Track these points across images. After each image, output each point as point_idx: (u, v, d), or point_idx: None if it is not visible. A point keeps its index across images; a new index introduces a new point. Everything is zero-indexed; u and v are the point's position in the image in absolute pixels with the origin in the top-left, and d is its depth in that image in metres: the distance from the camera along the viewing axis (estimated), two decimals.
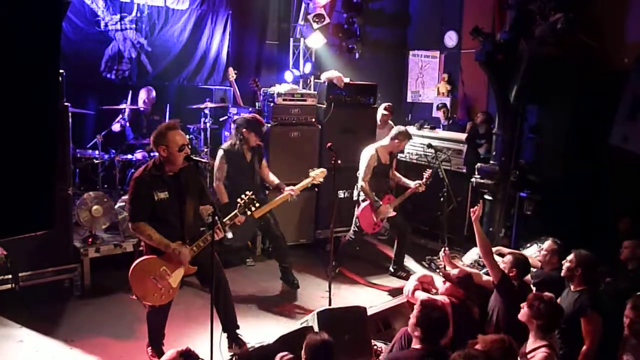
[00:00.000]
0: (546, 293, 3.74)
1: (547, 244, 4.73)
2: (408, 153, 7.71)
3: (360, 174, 5.98)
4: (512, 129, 6.19)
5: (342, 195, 6.79)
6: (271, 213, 5.74)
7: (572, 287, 4.13)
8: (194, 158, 4.01)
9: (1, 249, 4.42)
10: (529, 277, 4.50)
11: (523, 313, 3.64)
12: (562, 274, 4.18)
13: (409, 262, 6.59)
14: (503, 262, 4.50)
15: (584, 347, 3.84)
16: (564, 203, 6.12)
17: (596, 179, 6.07)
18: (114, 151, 6.35)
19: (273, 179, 5.66)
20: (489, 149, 7.17)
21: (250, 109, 6.96)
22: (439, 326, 3.31)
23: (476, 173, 6.42)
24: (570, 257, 4.13)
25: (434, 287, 4.61)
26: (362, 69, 8.49)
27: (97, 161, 6.20)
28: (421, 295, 4.33)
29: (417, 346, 3.32)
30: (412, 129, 7.66)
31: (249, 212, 4.31)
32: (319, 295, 5.63)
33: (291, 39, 8.28)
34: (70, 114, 5.11)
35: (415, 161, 7.56)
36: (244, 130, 5.51)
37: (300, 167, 6.66)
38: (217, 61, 7.97)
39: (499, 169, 6.22)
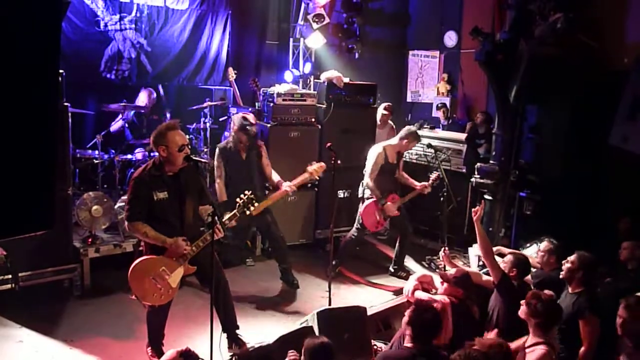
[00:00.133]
0: (545, 291, 3.75)
1: (544, 244, 4.73)
2: (408, 153, 7.70)
3: (367, 171, 5.98)
4: (512, 129, 6.19)
5: (341, 196, 6.79)
6: (270, 214, 5.74)
7: (570, 289, 4.13)
8: (194, 158, 4.01)
9: (1, 249, 4.42)
10: (529, 277, 4.51)
11: (522, 310, 3.67)
12: (561, 276, 4.18)
13: (409, 262, 6.60)
14: (503, 262, 4.51)
15: (582, 349, 3.84)
16: (563, 203, 6.13)
17: (596, 179, 6.07)
18: (113, 151, 6.35)
19: (275, 177, 5.65)
20: (489, 149, 7.17)
21: (249, 109, 6.96)
22: (429, 326, 3.33)
23: (476, 173, 6.42)
24: (572, 258, 4.13)
25: (434, 287, 4.61)
26: (361, 69, 8.49)
27: (96, 161, 6.20)
28: (421, 295, 4.33)
29: (409, 345, 3.34)
30: (402, 131, 7.68)
31: (247, 212, 4.31)
32: (318, 295, 5.63)
33: (291, 39, 8.28)
34: (70, 114, 5.12)
35: (415, 161, 7.55)
36: (234, 128, 5.56)
37: (300, 167, 6.64)
38: (217, 61, 7.97)
39: (499, 169, 6.22)
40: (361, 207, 6.06)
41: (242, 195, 4.34)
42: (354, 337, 4.14)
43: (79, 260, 5.33)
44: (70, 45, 6.70)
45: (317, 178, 5.53)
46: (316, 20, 7.83)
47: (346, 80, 6.99)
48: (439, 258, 5.54)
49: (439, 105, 9.14)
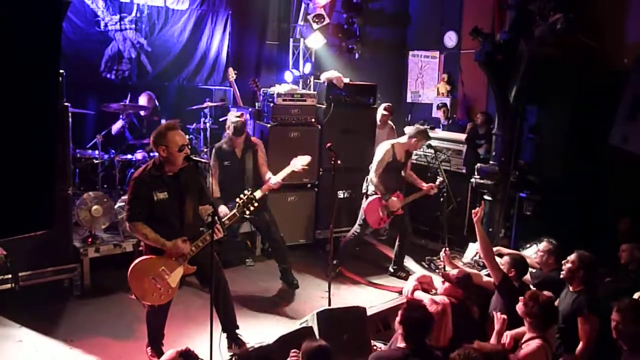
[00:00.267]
0: (544, 292, 3.77)
1: (542, 244, 4.75)
2: None
3: (373, 166, 5.98)
4: (512, 129, 6.19)
5: (342, 196, 6.79)
6: (269, 213, 5.76)
7: (570, 288, 4.14)
8: (194, 158, 4.01)
9: (1, 248, 4.43)
10: (528, 277, 4.51)
11: (518, 307, 3.70)
12: (562, 276, 4.18)
13: (409, 262, 6.59)
14: (501, 264, 4.52)
15: (579, 347, 3.85)
16: (563, 203, 6.13)
17: (596, 180, 6.07)
18: (113, 151, 6.35)
19: (267, 176, 5.62)
20: (489, 150, 7.18)
21: (249, 109, 6.97)
22: (420, 325, 3.33)
23: (476, 173, 6.42)
24: (572, 258, 4.13)
25: (434, 287, 4.61)
26: (361, 69, 8.50)
27: (97, 161, 6.20)
28: (421, 295, 4.33)
29: (402, 345, 3.36)
30: (411, 129, 7.68)
31: (247, 212, 4.32)
32: (318, 295, 5.63)
33: (291, 39, 8.29)
34: (70, 114, 5.12)
35: (414, 161, 7.55)
36: (226, 128, 5.62)
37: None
38: (217, 61, 7.98)
39: (499, 170, 6.22)
40: (365, 203, 6.06)
41: (241, 195, 4.34)
42: (353, 337, 4.14)
43: (78, 260, 5.33)
44: (71, 45, 6.71)
45: (302, 171, 5.47)
46: (316, 20, 7.83)
47: (346, 80, 6.99)
48: (439, 258, 5.54)
49: (440, 105, 9.15)
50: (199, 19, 7.72)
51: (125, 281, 4.00)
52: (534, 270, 4.76)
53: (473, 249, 5.73)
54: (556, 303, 4.22)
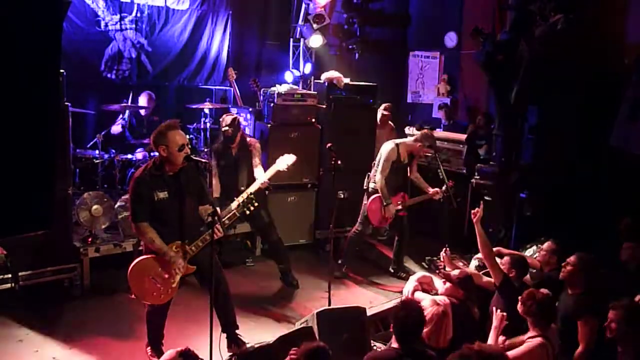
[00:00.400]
0: (541, 290, 3.78)
1: (547, 244, 4.75)
2: None
3: (379, 167, 5.96)
4: (512, 130, 6.19)
5: (342, 196, 6.77)
6: (267, 214, 5.77)
7: (569, 290, 4.14)
8: (194, 158, 4.01)
9: (1, 248, 4.43)
10: (528, 277, 4.51)
11: (519, 307, 3.71)
12: (561, 277, 4.18)
13: (409, 262, 6.59)
14: (501, 264, 4.52)
15: (578, 349, 3.85)
16: (564, 204, 6.12)
17: (596, 180, 6.07)
18: (114, 151, 6.35)
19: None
20: (489, 150, 7.18)
21: (249, 109, 6.97)
22: (409, 326, 3.32)
23: (476, 174, 6.42)
24: (572, 259, 4.13)
25: (434, 287, 4.61)
26: (362, 70, 8.51)
27: (97, 161, 6.20)
28: (421, 296, 4.33)
29: (395, 345, 3.36)
30: (411, 130, 7.69)
31: (247, 212, 4.32)
32: (318, 295, 5.63)
33: (291, 40, 8.29)
34: (70, 113, 5.12)
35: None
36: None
37: (300, 168, 6.67)
38: (218, 61, 7.98)
39: (499, 170, 6.21)
40: (367, 201, 6.05)
41: (242, 196, 4.35)
42: (353, 337, 4.14)
43: (78, 260, 5.33)
44: (71, 45, 6.71)
45: (286, 170, 5.46)
46: (316, 20, 7.84)
47: (346, 80, 6.99)
48: (439, 259, 5.53)
49: (441, 105, 9.14)
50: (200, 19, 7.72)
51: (125, 281, 4.00)
52: (533, 270, 4.75)
53: (474, 264, 5.74)
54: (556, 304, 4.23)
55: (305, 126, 6.71)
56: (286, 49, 8.34)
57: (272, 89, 6.74)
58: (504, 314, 3.80)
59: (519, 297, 3.74)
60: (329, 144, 5.32)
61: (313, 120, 6.77)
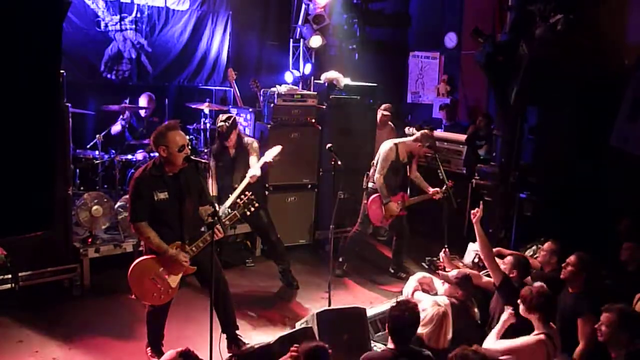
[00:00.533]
0: (535, 284, 3.79)
1: (547, 244, 4.76)
2: None
3: (378, 167, 5.97)
4: (512, 130, 6.19)
5: (341, 196, 6.78)
6: (267, 214, 5.77)
7: (570, 289, 4.14)
8: (194, 158, 4.01)
9: (1, 248, 4.42)
10: (528, 278, 4.51)
11: (521, 310, 3.71)
12: (562, 277, 4.18)
13: (409, 262, 6.59)
14: (503, 264, 4.52)
15: (578, 348, 3.85)
16: (563, 204, 6.12)
17: (596, 180, 6.07)
18: (114, 151, 6.35)
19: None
20: (489, 150, 7.17)
21: (249, 110, 6.97)
22: (400, 325, 3.33)
23: (476, 174, 6.42)
24: (573, 260, 4.13)
25: (433, 288, 4.61)
26: (362, 70, 8.49)
27: (97, 161, 6.20)
28: (421, 296, 4.33)
29: (391, 346, 3.37)
30: (411, 130, 7.68)
31: (248, 213, 4.32)
32: (318, 295, 5.63)
33: (291, 40, 8.29)
34: (70, 114, 5.13)
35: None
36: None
37: (300, 168, 6.68)
38: (218, 62, 7.99)
39: (499, 170, 6.22)
40: (367, 200, 6.05)
41: (242, 196, 4.35)
42: (353, 337, 4.14)
43: (78, 260, 5.33)
44: (71, 45, 6.71)
45: (272, 162, 5.57)
46: (316, 21, 7.84)
47: (346, 81, 6.99)
48: (438, 259, 5.53)
49: (442, 105, 9.14)
50: (200, 19, 7.72)
51: (125, 281, 4.00)
52: (533, 271, 4.75)
53: (472, 250, 5.72)
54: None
55: (305, 126, 6.71)
56: (286, 50, 8.35)
57: (272, 89, 6.74)
58: (512, 311, 3.82)
59: (519, 298, 3.75)
60: (328, 145, 5.32)
61: (313, 120, 6.77)
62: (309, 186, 6.80)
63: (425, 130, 6.19)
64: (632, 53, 5.88)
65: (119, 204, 5.71)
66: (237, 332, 4.48)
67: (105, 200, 5.55)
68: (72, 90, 5.45)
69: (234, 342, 4.42)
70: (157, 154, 4.00)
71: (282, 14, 8.48)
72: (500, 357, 3.55)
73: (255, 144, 5.77)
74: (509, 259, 4.53)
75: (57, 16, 1.92)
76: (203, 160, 6.49)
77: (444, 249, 5.20)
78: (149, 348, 4.31)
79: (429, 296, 4.31)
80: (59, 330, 4.67)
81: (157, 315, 4.24)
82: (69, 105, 5.13)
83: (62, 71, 4.64)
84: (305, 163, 6.72)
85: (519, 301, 3.77)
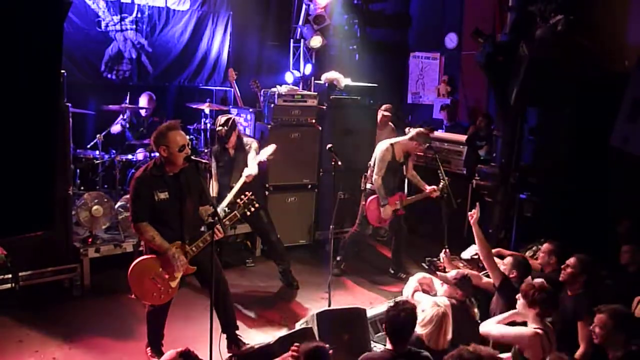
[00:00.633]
0: (536, 280, 3.79)
1: (545, 245, 4.76)
2: None
3: (375, 168, 5.97)
4: (512, 131, 6.19)
5: (342, 197, 6.78)
6: (267, 214, 5.77)
7: (569, 291, 4.14)
8: (194, 159, 4.02)
9: (1, 248, 4.43)
10: (529, 278, 4.50)
11: (520, 304, 3.71)
12: (561, 279, 4.18)
13: (409, 263, 6.59)
14: (503, 264, 4.52)
15: (579, 350, 3.85)
16: (564, 205, 6.12)
17: (596, 181, 6.07)
18: (114, 151, 6.36)
19: None
20: (489, 151, 7.17)
21: (250, 110, 6.98)
22: (396, 325, 3.33)
23: (476, 175, 6.42)
24: (572, 262, 4.13)
25: (433, 288, 4.61)
26: (362, 70, 8.49)
27: (97, 161, 6.20)
28: (421, 297, 4.33)
29: (389, 347, 3.37)
30: (412, 131, 7.68)
31: (248, 213, 4.32)
32: (318, 296, 5.63)
33: (292, 40, 8.29)
34: (70, 114, 5.13)
35: (414, 163, 7.54)
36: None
37: (300, 169, 6.68)
38: (218, 62, 7.99)
39: (499, 171, 6.22)
40: (365, 202, 6.06)
41: (242, 196, 4.36)
42: (353, 338, 4.14)
43: (79, 260, 5.33)
44: (72, 45, 6.72)
45: (266, 160, 5.63)
46: (317, 21, 7.84)
47: (347, 81, 6.99)
48: (439, 259, 5.53)
49: (443, 106, 9.13)
50: (200, 19, 7.73)
51: (125, 281, 4.00)
52: (533, 272, 4.75)
53: (473, 248, 5.73)
54: None
55: (305, 127, 6.71)
56: (287, 50, 8.35)
57: (273, 89, 6.74)
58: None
59: (518, 295, 3.76)
60: (329, 145, 5.32)
61: (313, 121, 6.77)
62: (309, 186, 6.80)
63: (421, 129, 6.20)
64: (632, 53, 5.88)
65: (119, 203, 5.71)
66: (237, 332, 4.48)
67: (106, 200, 5.55)
68: (72, 90, 5.46)
69: (234, 342, 4.43)
70: (157, 154, 4.00)
71: (283, 15, 8.49)
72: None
73: (255, 144, 5.77)
74: (508, 259, 4.53)
75: (58, 16, 1.92)
76: (203, 161, 6.50)
77: (444, 250, 5.20)
78: (149, 348, 4.31)
79: (429, 297, 4.31)
80: (59, 330, 4.67)
81: (157, 315, 4.24)
82: (70, 105, 5.14)
83: (62, 71, 4.65)
84: (306, 163, 6.73)
85: (518, 296, 3.78)
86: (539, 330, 3.59)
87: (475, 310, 4.37)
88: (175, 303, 4.28)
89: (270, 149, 5.59)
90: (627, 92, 5.49)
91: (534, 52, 5.85)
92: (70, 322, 4.83)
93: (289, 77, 8.01)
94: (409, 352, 3.33)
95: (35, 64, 1.79)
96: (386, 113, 7.51)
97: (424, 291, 4.52)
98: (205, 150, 6.93)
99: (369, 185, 6.04)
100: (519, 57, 5.92)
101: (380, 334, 4.50)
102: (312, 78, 7.80)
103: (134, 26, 7.24)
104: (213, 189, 5.70)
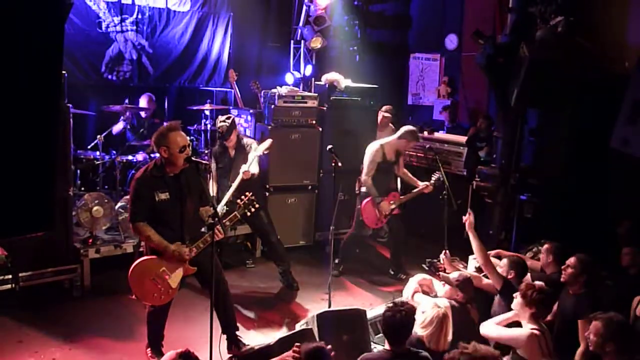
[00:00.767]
0: (536, 282, 3.80)
1: (545, 246, 4.76)
2: (409, 156, 7.71)
3: (365, 169, 5.98)
4: (513, 132, 6.19)
5: (342, 198, 6.78)
6: (267, 215, 5.77)
7: (570, 291, 4.13)
8: (195, 159, 4.02)
9: (2, 249, 4.43)
10: (528, 277, 4.50)
11: (516, 303, 3.71)
12: (562, 279, 4.18)
13: (409, 264, 6.59)
14: (500, 266, 4.52)
15: (579, 349, 3.84)
16: (564, 206, 6.12)
17: (596, 182, 6.07)
18: (114, 152, 6.36)
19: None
20: (490, 152, 7.17)
21: (250, 111, 6.98)
22: (393, 325, 3.33)
23: (477, 176, 6.42)
24: (573, 262, 4.12)
25: (433, 290, 4.60)
26: (362, 72, 8.49)
27: (97, 162, 6.21)
28: (421, 298, 4.33)
29: (387, 347, 3.38)
30: (400, 130, 7.69)
31: (248, 214, 4.33)
32: (318, 297, 5.63)
33: (292, 42, 8.30)
34: (71, 114, 5.13)
35: (415, 164, 7.56)
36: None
37: (301, 169, 6.68)
38: (218, 63, 7.99)
39: (499, 172, 6.22)
40: (360, 204, 6.07)
41: (242, 197, 4.36)
42: (353, 339, 4.14)
43: (79, 261, 5.34)
44: (72, 46, 6.73)
45: (264, 154, 5.67)
46: (317, 22, 7.84)
47: (347, 82, 7.00)
48: (439, 261, 5.53)
49: (445, 107, 9.13)
50: (201, 20, 7.73)
51: (126, 282, 4.00)
52: (533, 273, 4.74)
53: (472, 264, 5.74)
54: (556, 306, 4.23)
55: (305, 128, 6.72)
56: (287, 51, 8.35)
57: (273, 90, 6.75)
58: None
59: (514, 294, 3.77)
60: (329, 146, 5.33)
61: (313, 122, 6.78)
62: (310, 187, 6.80)
63: (410, 126, 6.20)
64: (633, 55, 5.88)
65: (119, 204, 5.72)
66: (237, 333, 4.48)
67: (106, 200, 5.56)
68: (73, 91, 5.47)
69: (234, 343, 4.43)
70: (158, 155, 4.01)
71: (283, 16, 8.49)
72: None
73: (255, 145, 5.78)
74: (504, 261, 4.53)
75: (59, 17, 1.92)
76: (204, 162, 6.50)
77: (444, 251, 5.20)
78: (149, 349, 4.31)
79: (429, 298, 4.31)
80: (59, 330, 4.68)
81: (158, 316, 4.24)
82: (70, 105, 5.15)
83: (63, 72, 4.65)
84: (306, 164, 6.73)
85: (515, 295, 3.78)
86: (535, 331, 3.59)
87: (476, 312, 4.37)
88: (176, 304, 4.28)
89: (267, 143, 5.64)
90: (627, 93, 5.49)
91: (534, 53, 5.85)
92: (71, 322, 4.84)
93: (289, 78, 8.02)
94: (408, 352, 3.33)
95: (36, 64, 1.79)
96: (386, 114, 7.51)
97: (424, 292, 4.52)
98: (206, 151, 6.94)
99: (363, 189, 6.05)
100: (519, 59, 5.92)
101: (380, 335, 4.50)
102: (313, 79, 7.81)
103: (135, 27, 7.24)
104: (213, 189, 5.71)
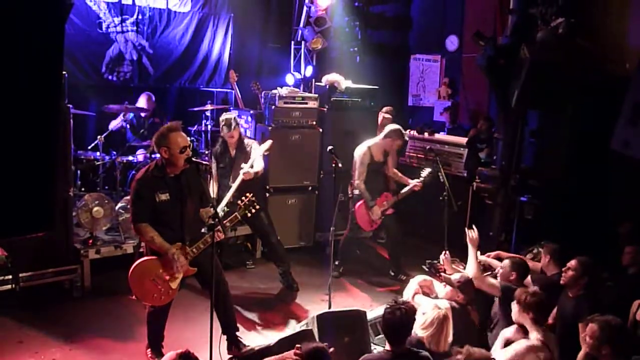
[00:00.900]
0: (531, 287, 3.80)
1: (546, 247, 4.76)
2: (409, 156, 7.71)
3: (356, 173, 5.98)
4: (513, 134, 6.19)
5: (342, 199, 6.78)
6: (267, 216, 5.77)
7: (570, 294, 4.13)
8: (195, 160, 4.03)
9: (2, 249, 4.43)
10: (529, 280, 4.50)
11: (515, 312, 3.70)
12: (562, 282, 4.17)
13: (409, 265, 6.58)
14: (501, 267, 4.51)
15: (581, 352, 3.83)
16: (564, 207, 6.12)
17: (597, 184, 6.07)
18: (114, 152, 6.36)
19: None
20: (490, 153, 7.17)
21: (250, 112, 6.98)
22: (392, 325, 3.33)
23: (477, 177, 6.42)
24: (574, 265, 4.12)
25: (434, 291, 4.60)
26: (363, 73, 8.49)
27: (98, 162, 6.21)
28: (421, 299, 4.32)
29: (387, 348, 3.37)
30: (412, 133, 7.69)
31: (249, 214, 4.33)
32: (318, 298, 5.63)
33: (292, 42, 8.30)
34: (71, 115, 5.13)
35: (415, 164, 7.55)
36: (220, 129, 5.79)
37: (301, 170, 6.68)
38: (219, 64, 8.00)
39: (500, 174, 6.21)
40: (353, 208, 6.08)
41: (243, 198, 4.36)
42: (353, 340, 4.14)
43: (79, 261, 5.34)
44: (73, 46, 6.73)
45: (264, 155, 5.67)
46: (318, 23, 7.84)
47: (347, 83, 7.00)
48: (439, 262, 5.53)
49: (446, 108, 9.13)
50: (201, 21, 7.74)
51: (126, 282, 4.00)
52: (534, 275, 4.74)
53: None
54: (556, 309, 4.22)
55: (306, 129, 6.72)
56: (287, 52, 8.36)
57: (273, 91, 6.75)
58: None
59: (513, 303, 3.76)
60: (329, 147, 5.33)
61: (314, 122, 6.78)
62: (310, 188, 6.80)
63: (394, 125, 6.20)
64: (633, 56, 5.88)
65: (119, 205, 5.72)
66: (237, 333, 4.48)
67: (106, 201, 5.56)
68: (73, 91, 5.48)
69: (234, 343, 4.42)
70: (158, 155, 4.01)
71: (284, 16, 8.50)
72: None
73: (256, 145, 5.78)
74: (505, 262, 4.52)
75: (59, 17, 1.92)
76: (204, 162, 6.50)
77: (444, 252, 5.20)
78: (149, 349, 4.31)
79: (430, 299, 4.30)
80: (60, 330, 4.68)
81: (158, 316, 4.24)
82: (70, 106, 5.15)
83: (63, 72, 4.65)
84: (306, 165, 6.73)
85: (513, 303, 3.77)
86: (535, 342, 3.56)
87: (476, 313, 4.36)
88: (176, 304, 4.28)
89: (267, 144, 5.64)
90: (627, 95, 5.49)
91: (535, 55, 5.85)
92: (71, 323, 4.84)
93: (289, 79, 8.02)
94: (408, 352, 3.33)
95: (37, 64, 1.79)
96: (387, 115, 7.51)
97: (425, 294, 4.51)
98: (206, 152, 6.95)
99: (356, 192, 6.04)
100: (520, 60, 5.92)
101: (380, 336, 4.50)
102: (313, 80, 7.81)
103: (135, 28, 7.24)
104: (213, 190, 5.71)
